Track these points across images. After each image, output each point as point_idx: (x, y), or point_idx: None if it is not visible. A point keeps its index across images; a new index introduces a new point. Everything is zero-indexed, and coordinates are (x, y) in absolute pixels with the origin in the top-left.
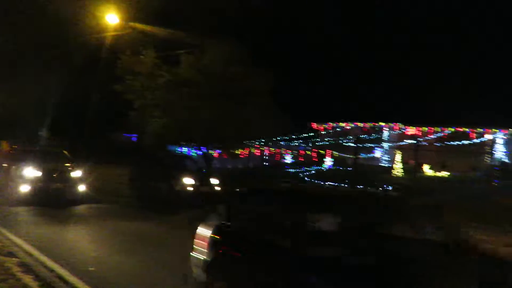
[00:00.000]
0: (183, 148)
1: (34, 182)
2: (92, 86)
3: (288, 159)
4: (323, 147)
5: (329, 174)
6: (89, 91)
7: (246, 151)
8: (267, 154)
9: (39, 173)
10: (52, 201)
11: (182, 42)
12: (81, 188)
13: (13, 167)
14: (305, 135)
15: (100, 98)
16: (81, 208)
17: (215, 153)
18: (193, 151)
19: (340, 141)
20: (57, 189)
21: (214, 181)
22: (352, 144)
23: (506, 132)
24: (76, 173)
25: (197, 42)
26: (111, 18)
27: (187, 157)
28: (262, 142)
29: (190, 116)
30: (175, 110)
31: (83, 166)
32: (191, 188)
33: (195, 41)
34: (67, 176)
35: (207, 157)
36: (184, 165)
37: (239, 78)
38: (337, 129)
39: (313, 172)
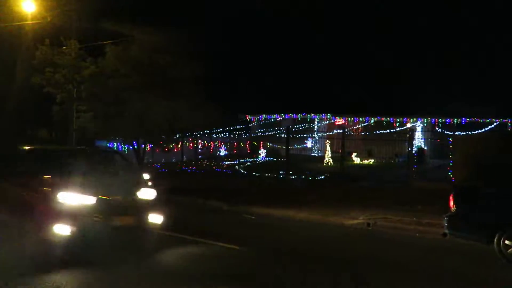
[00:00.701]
0: (113, 143)
1: (81, 217)
2: (11, 78)
3: (223, 151)
4: (257, 139)
5: (263, 165)
6: (8, 84)
7: (179, 145)
8: (200, 147)
9: (90, 199)
10: (119, 255)
11: (109, 32)
12: (158, 219)
13: (41, 187)
14: (239, 126)
15: (20, 92)
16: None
17: (147, 148)
18: (124, 146)
19: (273, 132)
20: (123, 227)
21: (145, 176)
22: (284, 135)
23: (423, 120)
24: (148, 193)
25: (125, 31)
26: (29, 6)
27: (116, 152)
28: (197, 135)
29: (117, 109)
30: (102, 103)
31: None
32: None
33: (122, 30)
34: (135, 201)
35: (138, 152)
36: (113, 161)
37: (168, 67)
38: (271, 120)
39: (248, 164)
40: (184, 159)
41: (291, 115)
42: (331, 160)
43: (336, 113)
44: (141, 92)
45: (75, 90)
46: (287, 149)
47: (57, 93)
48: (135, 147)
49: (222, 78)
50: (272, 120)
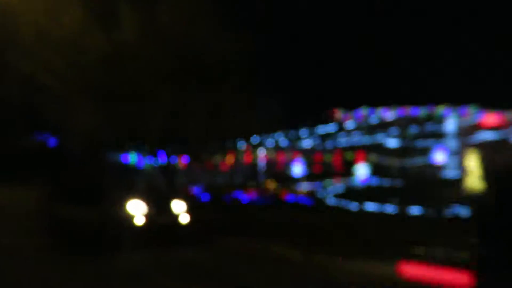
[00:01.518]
0: (130, 154)
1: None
2: None
3: (298, 168)
4: (352, 148)
5: (364, 191)
6: None
7: (229, 159)
8: (262, 161)
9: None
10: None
11: None
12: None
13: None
14: (323, 130)
15: None
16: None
17: (180, 162)
18: (146, 159)
19: (378, 139)
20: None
21: (178, 206)
22: (397, 143)
23: None
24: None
25: None
26: None
27: (135, 169)
28: (256, 143)
29: (139, 106)
30: (115, 98)
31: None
32: (142, 219)
33: None
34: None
35: (168, 168)
36: (130, 182)
37: (209, 46)
38: (372, 119)
39: (339, 189)
40: (237, 179)
41: (408, 110)
42: (477, 183)
43: (485, 105)
44: (171, 82)
45: (77, 78)
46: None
47: (52, 82)
48: (162, 161)
49: (292, 60)
50: (376, 118)
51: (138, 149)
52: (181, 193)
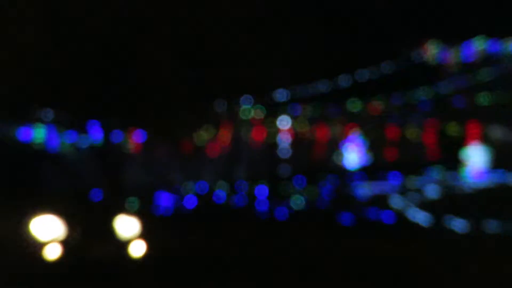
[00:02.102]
0: (34, 127)
1: None
2: None
3: (354, 154)
4: (457, 116)
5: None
6: None
7: (224, 135)
8: (287, 139)
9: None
10: None
11: None
12: None
13: None
14: (399, 80)
15: None
16: None
17: (130, 142)
18: (65, 136)
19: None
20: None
21: (127, 227)
22: None
23: None
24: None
25: None
26: None
27: (43, 154)
28: (274, 105)
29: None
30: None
31: None
32: (55, 249)
33: None
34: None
35: (107, 154)
36: (35, 179)
37: None
38: (495, 58)
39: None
40: (240, 175)
41: None
42: None
43: None
44: None
45: None
46: None
47: None
48: (96, 139)
49: None
50: (503, 55)
51: (51, 117)
52: (132, 202)
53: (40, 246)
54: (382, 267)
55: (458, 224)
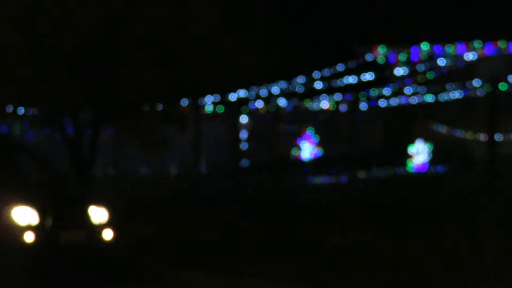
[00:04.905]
0: (8, 123)
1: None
2: None
3: (307, 147)
4: (404, 113)
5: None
6: None
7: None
8: (246, 135)
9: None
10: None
11: None
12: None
13: None
14: (353, 79)
15: None
16: None
17: (100, 138)
18: (37, 132)
19: (449, 95)
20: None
21: (97, 215)
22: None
23: None
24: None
25: None
26: None
27: (16, 148)
28: (235, 103)
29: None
30: None
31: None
32: (30, 236)
33: None
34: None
35: (79, 149)
36: (7, 171)
37: None
38: (439, 61)
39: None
40: (203, 167)
41: (503, 45)
42: None
43: None
44: None
45: None
46: (491, 142)
47: None
48: (68, 135)
49: None
50: (445, 58)
51: (23, 114)
52: (102, 192)
53: (14, 233)
54: (326, 250)
55: (403, 212)
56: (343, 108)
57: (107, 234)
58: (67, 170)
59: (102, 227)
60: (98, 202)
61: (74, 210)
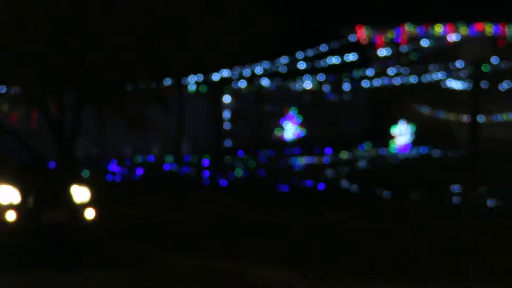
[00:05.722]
0: None
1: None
2: None
3: (290, 128)
4: (389, 94)
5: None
6: None
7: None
8: (230, 116)
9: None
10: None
11: None
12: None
13: None
14: (337, 60)
15: None
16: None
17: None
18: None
19: (433, 77)
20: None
21: (79, 194)
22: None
23: None
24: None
25: None
26: None
27: (2, 129)
28: (219, 83)
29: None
30: None
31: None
32: (12, 215)
33: None
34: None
35: (60, 128)
36: None
37: None
38: (423, 42)
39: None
40: (186, 147)
41: (487, 27)
42: None
43: None
44: None
45: None
46: (473, 123)
47: None
48: (49, 115)
49: None
50: (431, 41)
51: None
52: (84, 172)
53: None
54: (315, 230)
55: (385, 192)
56: (326, 88)
57: (89, 214)
58: (50, 150)
59: (84, 206)
60: (80, 182)
61: (56, 190)
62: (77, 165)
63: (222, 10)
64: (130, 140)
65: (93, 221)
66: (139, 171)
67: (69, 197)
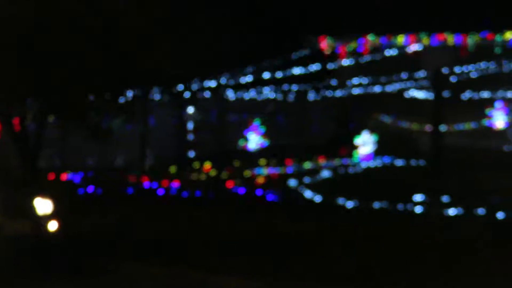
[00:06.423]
0: None
1: None
2: None
3: (254, 138)
4: (350, 104)
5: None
6: None
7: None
8: (193, 127)
9: None
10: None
11: None
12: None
13: None
14: (301, 70)
15: None
16: None
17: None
18: None
19: (395, 87)
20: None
21: (42, 206)
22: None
23: None
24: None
25: None
26: None
27: None
28: (184, 94)
29: None
30: None
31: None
32: None
33: None
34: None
35: (23, 140)
36: None
37: None
38: (387, 51)
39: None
40: (151, 159)
41: (449, 37)
42: None
43: None
44: None
45: None
46: (436, 132)
47: None
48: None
49: None
50: (391, 47)
51: None
52: (47, 183)
53: None
54: (277, 240)
55: (348, 201)
56: (290, 98)
57: (52, 225)
58: (13, 162)
59: (47, 218)
60: (43, 194)
61: (19, 202)
62: (40, 177)
63: (184, 28)
64: (94, 152)
65: (56, 233)
66: (102, 183)
67: (32, 209)
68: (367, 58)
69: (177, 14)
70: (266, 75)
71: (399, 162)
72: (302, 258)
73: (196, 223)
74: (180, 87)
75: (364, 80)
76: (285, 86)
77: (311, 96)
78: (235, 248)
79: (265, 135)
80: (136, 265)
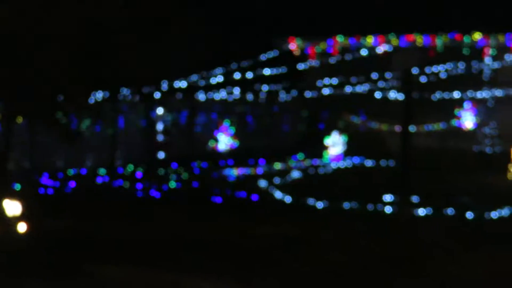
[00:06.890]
0: None
1: None
2: None
3: (224, 139)
4: (320, 105)
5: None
6: None
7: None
8: (162, 129)
9: None
10: None
11: None
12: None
13: None
14: (272, 71)
15: None
16: None
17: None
18: None
19: (364, 88)
20: None
21: (11, 207)
22: (396, 94)
23: None
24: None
25: None
26: None
27: None
28: (153, 94)
29: None
30: None
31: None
32: None
33: None
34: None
35: None
36: None
37: None
38: (356, 52)
39: (295, 175)
40: (119, 160)
41: (418, 38)
42: None
43: None
44: None
45: None
46: (405, 133)
47: None
48: None
49: None
50: (360, 48)
51: None
52: (15, 185)
53: None
54: (248, 241)
55: (318, 202)
56: (260, 100)
57: (21, 227)
58: None
59: (16, 220)
60: (11, 195)
61: None
62: (8, 178)
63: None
64: (62, 153)
65: (25, 235)
66: (72, 184)
67: (1, 210)
68: (337, 58)
69: (145, 14)
70: (237, 75)
71: (368, 163)
72: (270, 260)
73: (166, 224)
74: (150, 88)
75: (334, 81)
76: (256, 87)
77: (281, 97)
78: (206, 249)
79: (235, 136)
80: (106, 267)
